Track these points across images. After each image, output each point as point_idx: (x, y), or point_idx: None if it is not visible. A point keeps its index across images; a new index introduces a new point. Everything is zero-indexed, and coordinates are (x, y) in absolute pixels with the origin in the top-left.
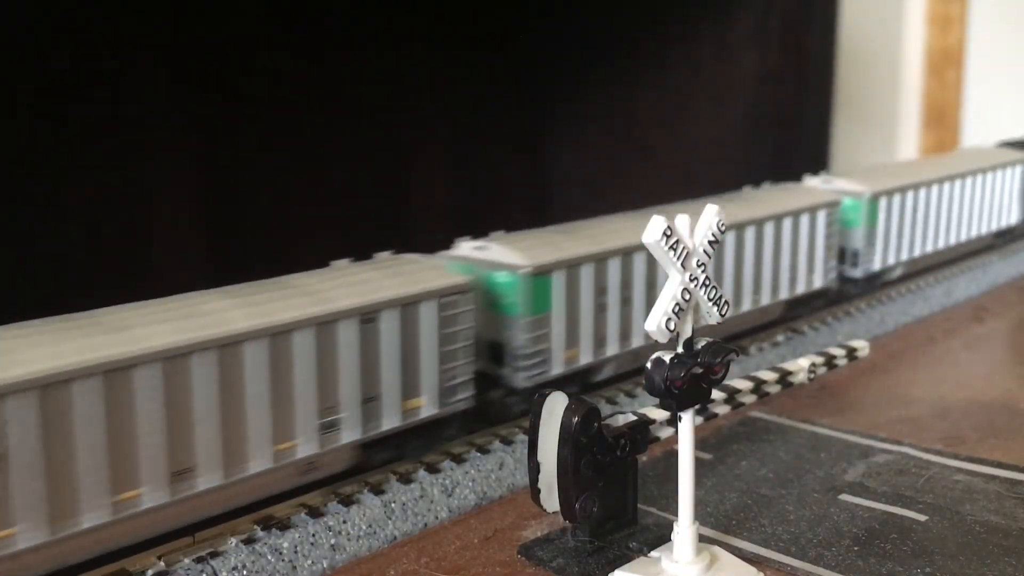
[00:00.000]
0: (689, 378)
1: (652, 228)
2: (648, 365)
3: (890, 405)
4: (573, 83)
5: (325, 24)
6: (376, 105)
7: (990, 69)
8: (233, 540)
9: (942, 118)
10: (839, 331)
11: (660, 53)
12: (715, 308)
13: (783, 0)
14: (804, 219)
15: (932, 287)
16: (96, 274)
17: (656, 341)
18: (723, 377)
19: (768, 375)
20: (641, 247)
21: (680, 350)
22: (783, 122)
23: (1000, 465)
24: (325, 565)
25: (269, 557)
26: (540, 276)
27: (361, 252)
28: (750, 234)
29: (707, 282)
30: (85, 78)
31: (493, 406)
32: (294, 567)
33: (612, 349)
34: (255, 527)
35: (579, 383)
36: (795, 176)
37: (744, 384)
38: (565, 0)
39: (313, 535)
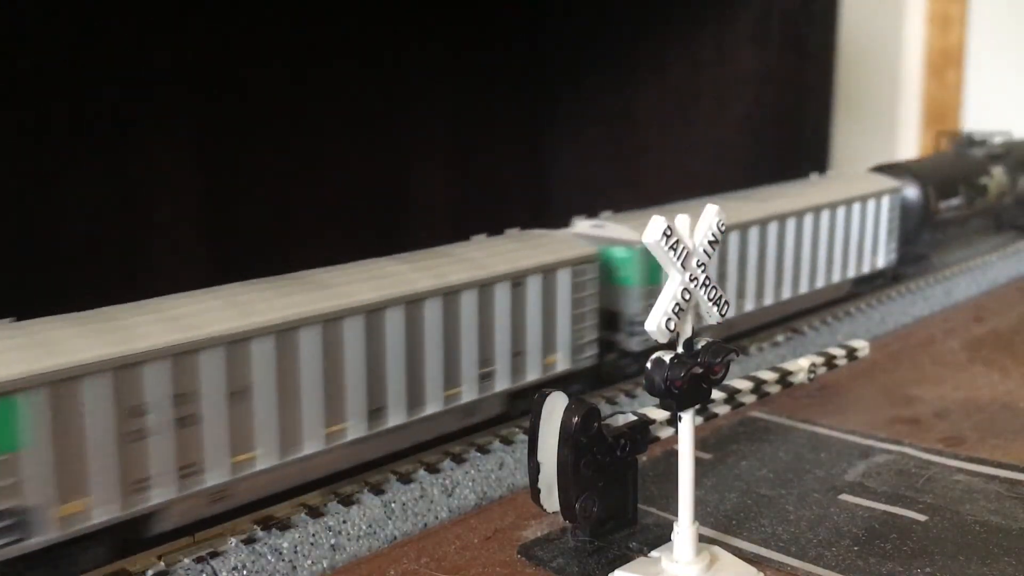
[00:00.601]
0: (689, 378)
1: (652, 228)
2: (648, 365)
3: (890, 405)
4: (573, 83)
5: (325, 25)
6: (376, 106)
7: (990, 69)
8: (233, 540)
9: (942, 118)
10: (839, 331)
11: (660, 54)
12: (715, 308)
13: (783, 0)
14: (533, 282)
15: (932, 287)
16: (96, 274)
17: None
18: (723, 377)
19: (768, 375)
20: (216, 341)
21: (680, 350)
22: (783, 122)
23: (1000, 465)
24: (325, 565)
25: (269, 557)
26: None
27: (360, 252)
28: (435, 306)
29: (707, 282)
30: (86, 78)
31: None
32: (294, 567)
33: (164, 492)
34: (255, 527)
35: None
36: (798, 175)
37: (744, 384)
38: (565, 0)
39: (313, 535)
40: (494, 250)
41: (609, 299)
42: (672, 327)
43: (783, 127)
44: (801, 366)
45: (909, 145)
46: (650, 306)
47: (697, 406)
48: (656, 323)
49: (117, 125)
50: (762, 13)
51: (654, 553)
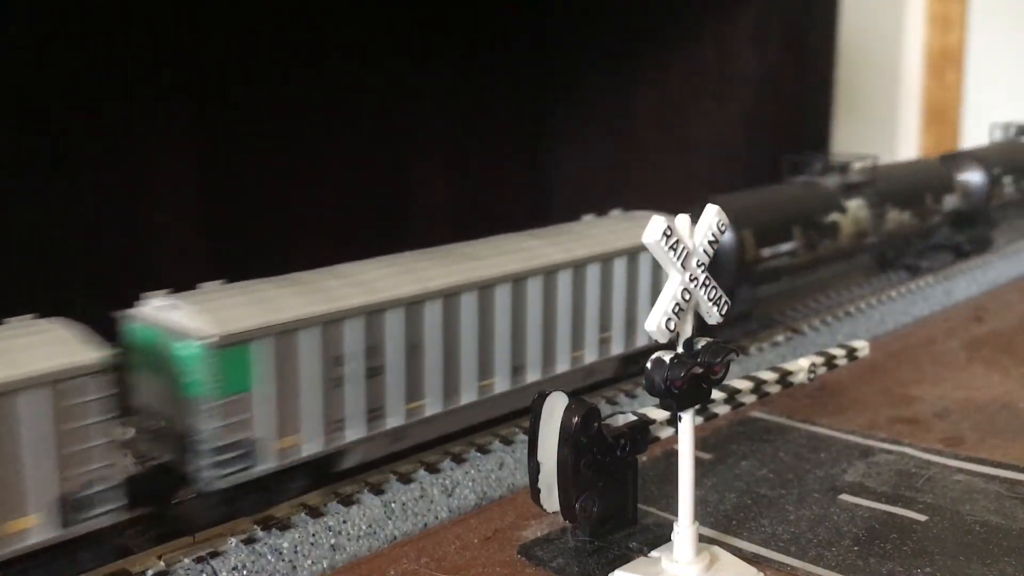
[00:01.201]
0: (689, 378)
1: (652, 228)
2: (648, 365)
3: (890, 405)
4: (573, 83)
5: (325, 25)
6: (376, 106)
7: (990, 69)
8: (233, 540)
9: (942, 118)
10: (839, 331)
11: (660, 53)
12: (715, 308)
13: (783, 0)
14: None
15: (932, 287)
16: (97, 274)
17: None
18: (723, 377)
19: (768, 375)
20: None
21: (680, 350)
22: (783, 122)
23: (1000, 465)
24: (325, 565)
25: (269, 557)
26: None
27: (361, 252)
28: None
29: (707, 282)
30: (86, 79)
31: None
32: (294, 567)
33: None
34: (255, 527)
35: None
36: (796, 175)
37: (744, 384)
38: (565, 1)
39: (313, 535)
40: None
41: (175, 415)
42: (672, 327)
43: (783, 127)
44: (801, 366)
45: (909, 145)
46: (235, 425)
47: (697, 406)
48: (656, 323)
49: (117, 125)
50: (762, 13)
51: (654, 553)
